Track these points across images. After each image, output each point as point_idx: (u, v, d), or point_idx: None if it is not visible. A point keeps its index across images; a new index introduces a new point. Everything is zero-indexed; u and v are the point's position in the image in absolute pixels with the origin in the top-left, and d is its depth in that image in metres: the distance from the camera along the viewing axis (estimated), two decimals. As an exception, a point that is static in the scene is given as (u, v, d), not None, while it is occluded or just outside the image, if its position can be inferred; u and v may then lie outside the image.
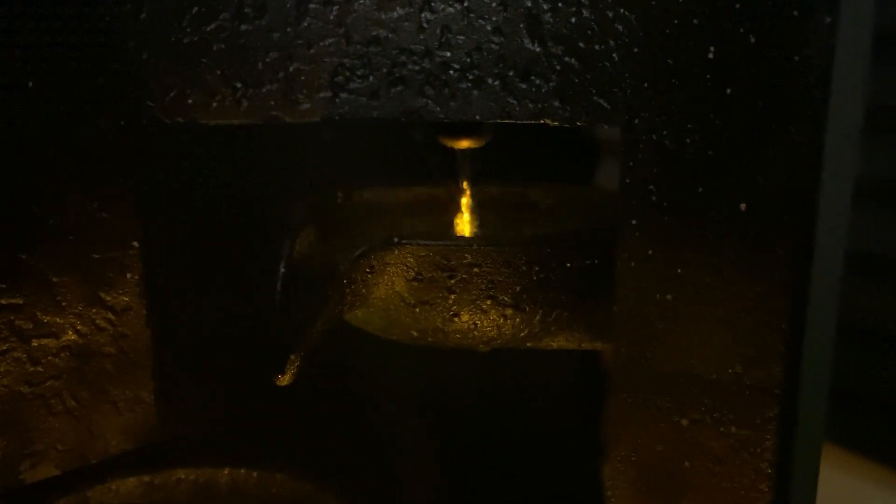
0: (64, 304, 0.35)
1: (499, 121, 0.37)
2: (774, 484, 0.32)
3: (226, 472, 0.38)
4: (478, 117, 0.36)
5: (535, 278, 0.34)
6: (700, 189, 0.32)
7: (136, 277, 0.37)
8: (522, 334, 0.37)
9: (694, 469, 0.35)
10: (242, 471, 0.38)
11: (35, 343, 0.35)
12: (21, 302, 0.34)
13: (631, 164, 0.34)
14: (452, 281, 0.34)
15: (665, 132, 0.32)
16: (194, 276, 0.40)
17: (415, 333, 0.37)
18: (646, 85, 0.32)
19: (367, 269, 0.34)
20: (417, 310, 0.35)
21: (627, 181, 0.34)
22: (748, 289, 0.32)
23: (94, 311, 0.36)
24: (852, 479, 0.67)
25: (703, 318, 0.33)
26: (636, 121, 0.33)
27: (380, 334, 0.40)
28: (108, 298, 0.36)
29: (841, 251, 0.32)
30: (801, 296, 0.31)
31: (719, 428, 0.34)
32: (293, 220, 0.40)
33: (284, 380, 0.33)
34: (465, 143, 0.41)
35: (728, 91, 0.31)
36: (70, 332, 0.36)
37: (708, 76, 0.31)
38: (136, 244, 0.37)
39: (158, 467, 0.38)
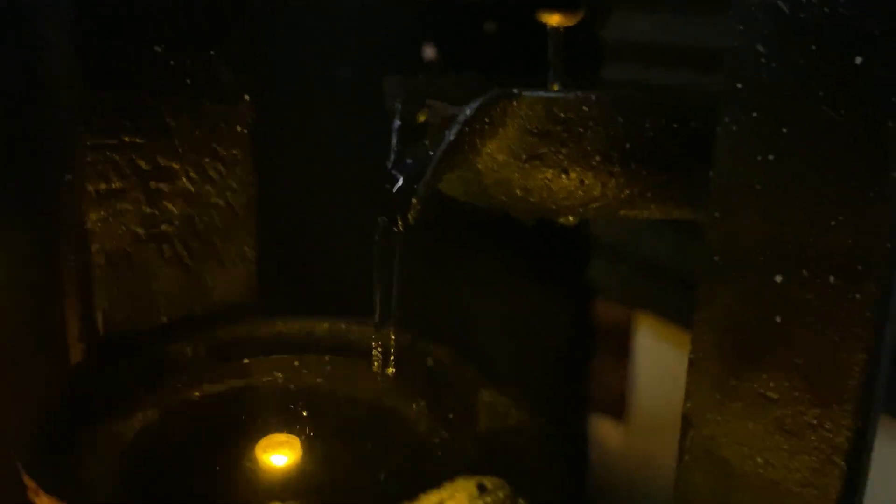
0: (180, 149, 0.36)
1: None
2: (873, 328, 0.33)
3: (325, 325, 0.39)
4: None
5: (645, 136, 0.36)
6: (813, 47, 0.34)
7: (246, 132, 0.38)
8: (623, 195, 0.38)
9: (785, 322, 0.36)
10: (342, 325, 0.39)
11: (153, 185, 0.35)
12: (141, 142, 0.35)
13: (741, 27, 0.35)
14: (567, 134, 0.35)
15: (780, -6, 0.34)
16: (297, 137, 0.40)
17: (519, 192, 0.38)
18: (763, -54, 0.34)
19: (486, 120, 0.35)
20: (528, 165, 0.36)
21: (736, 45, 0.35)
22: (860, 139, 0.33)
23: (206, 160, 0.37)
24: None
25: (807, 173, 0.35)
26: (750, -16, 0.34)
27: (478, 200, 0.41)
28: (220, 149, 0.37)
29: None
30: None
31: (815, 280, 0.35)
32: (396, 89, 0.41)
33: (410, 219, 0.34)
34: (557, 19, 0.42)
35: (852, -52, 0.32)
36: (184, 179, 0.36)
37: (833, -66, 0.32)
38: (247, 97, 0.37)
39: (260, 318, 0.39)
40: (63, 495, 0.24)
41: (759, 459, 0.38)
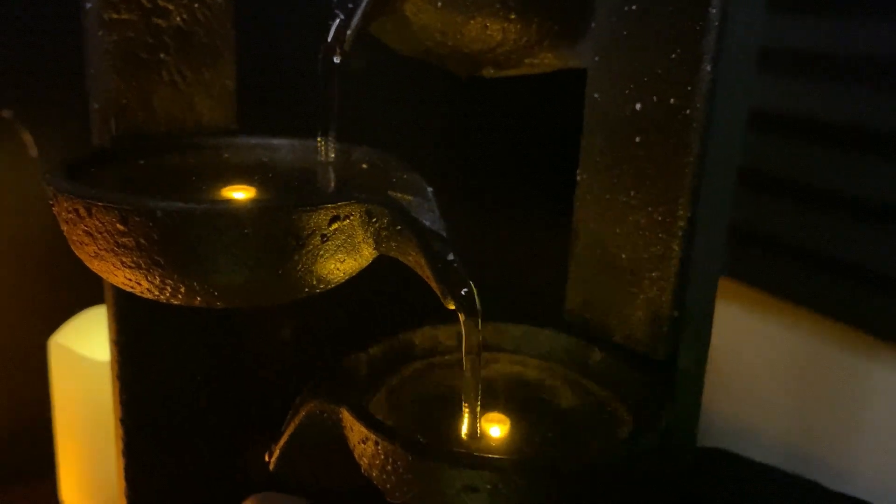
0: (174, -7, 0.46)
1: None
2: (700, 134, 0.43)
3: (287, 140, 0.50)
4: None
5: (534, -13, 0.45)
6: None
7: (227, -17, 0.48)
8: (523, 41, 0.47)
9: (642, 141, 0.46)
10: (296, 143, 0.49)
11: (153, 20, 0.46)
12: (143, -15, 0.45)
13: None
14: (471, -17, 0.45)
15: None
16: None
17: (439, 36, 0.48)
18: None
19: (406, -29, 0.45)
20: (442, 9, 0.46)
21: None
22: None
23: (195, 5, 0.47)
24: (750, 312, 0.77)
25: (657, 18, 0.44)
26: None
27: (415, 50, 0.51)
28: (206, -4, 0.48)
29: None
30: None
31: (662, 103, 0.45)
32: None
33: (345, 48, 0.44)
34: None
35: None
36: (177, 18, 0.47)
37: None
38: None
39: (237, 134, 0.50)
40: (78, 194, 0.35)
41: (623, 256, 0.48)
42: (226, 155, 0.47)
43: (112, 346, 0.51)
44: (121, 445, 0.53)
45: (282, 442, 0.44)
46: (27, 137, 0.67)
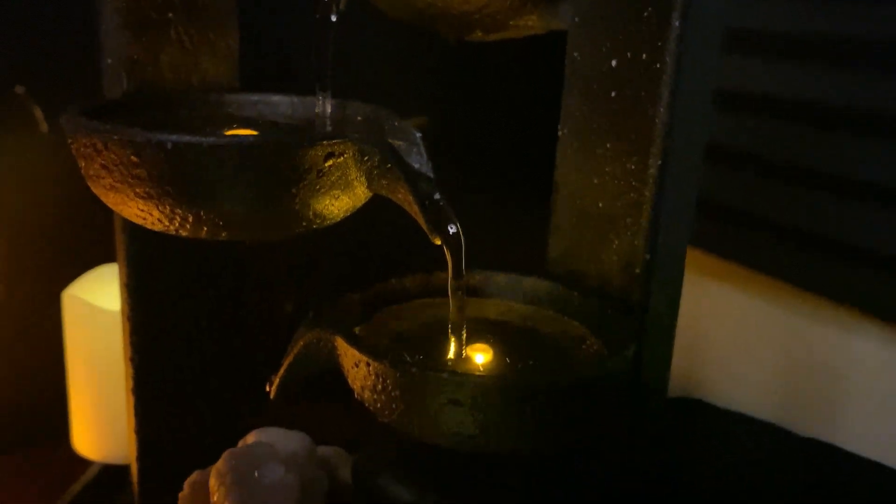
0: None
1: None
2: (669, 86, 0.46)
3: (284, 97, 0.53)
4: None
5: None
6: None
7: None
8: (508, 3, 0.51)
9: (616, 96, 0.49)
10: (295, 99, 0.53)
11: (160, -17, 0.50)
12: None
13: None
14: (457, -54, 0.48)
15: None
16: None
17: (429, -1, 0.51)
18: None
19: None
20: (430, -30, 0.49)
21: None
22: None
23: (199, -28, 0.51)
24: (731, 287, 0.80)
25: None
26: None
27: (406, 13, 0.54)
28: (210, -37, 0.51)
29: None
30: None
31: (635, 58, 0.48)
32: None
33: (341, 6, 0.48)
34: None
35: None
36: (183, -18, 0.50)
37: None
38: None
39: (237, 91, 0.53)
40: (96, 130, 0.38)
41: (600, 204, 0.51)
42: (230, 109, 0.51)
43: (122, 289, 0.54)
44: (130, 384, 0.56)
45: (281, 371, 0.47)
46: (38, 112, 0.71)
